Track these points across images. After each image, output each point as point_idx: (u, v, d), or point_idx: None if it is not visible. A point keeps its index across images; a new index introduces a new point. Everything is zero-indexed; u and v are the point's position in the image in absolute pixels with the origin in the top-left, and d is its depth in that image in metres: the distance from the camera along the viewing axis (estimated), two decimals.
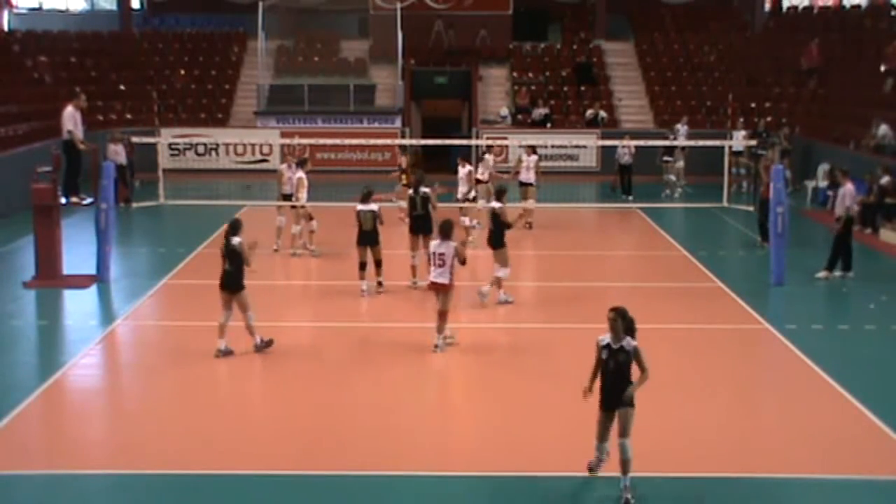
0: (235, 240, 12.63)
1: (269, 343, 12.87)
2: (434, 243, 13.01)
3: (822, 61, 30.56)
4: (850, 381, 11.77)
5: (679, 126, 28.66)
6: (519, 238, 20.88)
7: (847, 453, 9.91)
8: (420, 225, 16.17)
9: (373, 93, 33.26)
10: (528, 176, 21.74)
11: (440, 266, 12.77)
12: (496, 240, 15.24)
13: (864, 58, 30.62)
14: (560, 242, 20.31)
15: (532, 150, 22.17)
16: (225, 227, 13.10)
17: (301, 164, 18.95)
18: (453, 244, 12.83)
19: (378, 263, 15.87)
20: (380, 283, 15.95)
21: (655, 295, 16.06)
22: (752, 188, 24.48)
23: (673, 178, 27.01)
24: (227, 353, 12.61)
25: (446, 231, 12.91)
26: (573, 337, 14.17)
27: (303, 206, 18.47)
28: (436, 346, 12.91)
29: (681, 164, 27.29)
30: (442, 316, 12.85)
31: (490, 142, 23.59)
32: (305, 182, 18.44)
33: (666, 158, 26.93)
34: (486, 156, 22.37)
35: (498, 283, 15.22)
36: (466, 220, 19.21)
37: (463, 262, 12.99)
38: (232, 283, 12.67)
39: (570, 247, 20.08)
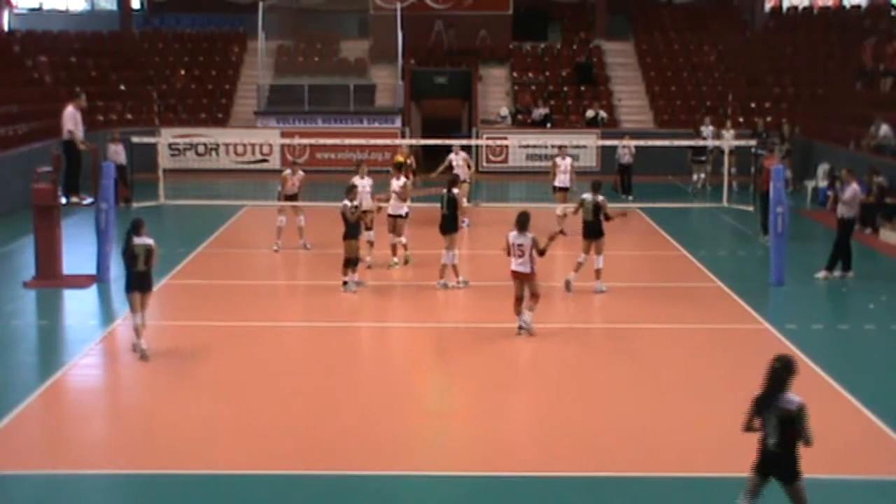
0: (149, 240, 12.60)
1: (143, 353, 12.49)
2: (512, 234, 13.44)
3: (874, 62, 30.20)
4: (850, 380, 11.77)
5: (703, 128, 28.52)
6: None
7: (847, 453, 9.91)
8: (446, 224, 16.18)
9: (373, 93, 33.27)
10: (564, 180, 20.90)
11: (520, 256, 13.36)
12: (597, 230, 15.84)
13: (859, 58, 30.59)
14: (559, 242, 20.27)
15: (565, 152, 21.45)
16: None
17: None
18: (531, 235, 13.36)
19: (354, 261, 15.84)
20: (345, 283, 15.82)
21: (655, 295, 16.07)
22: (753, 187, 24.52)
23: (703, 176, 27.12)
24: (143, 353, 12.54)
25: (524, 223, 13.44)
26: (572, 336, 14.20)
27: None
28: (520, 329, 13.53)
29: (709, 167, 27.39)
30: (535, 298, 13.49)
31: (457, 142, 22.99)
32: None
33: (695, 158, 27.07)
34: (452, 155, 21.63)
35: (598, 273, 15.93)
36: (403, 239, 17.47)
37: (542, 254, 13.50)
38: (149, 283, 12.72)
39: (569, 247, 20.04)
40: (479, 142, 29.20)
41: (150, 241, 12.61)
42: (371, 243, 17.37)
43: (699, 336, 14.03)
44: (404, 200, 17.49)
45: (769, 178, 19.52)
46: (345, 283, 15.79)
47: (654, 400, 11.30)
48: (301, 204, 19.08)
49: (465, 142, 26.12)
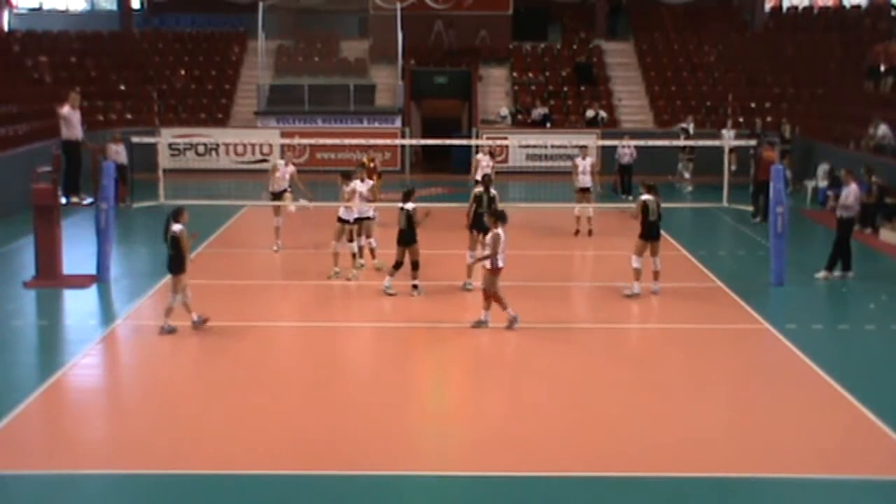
0: (176, 227, 13.44)
1: (205, 320, 13.72)
2: (502, 231, 13.78)
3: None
4: (850, 381, 11.77)
5: (685, 125, 28.83)
6: (519, 238, 20.90)
7: (847, 453, 9.91)
8: (483, 223, 16.15)
9: (373, 93, 33.28)
10: (585, 180, 20.79)
11: (503, 252, 13.84)
12: (659, 232, 15.89)
13: (864, 58, 30.61)
14: (559, 242, 20.31)
15: (586, 152, 21.33)
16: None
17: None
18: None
19: (415, 265, 15.64)
20: (414, 287, 15.61)
21: (655, 295, 16.05)
22: (751, 180, 24.66)
23: (687, 174, 27.58)
24: (170, 330, 13.55)
25: (505, 218, 13.98)
26: (571, 336, 14.21)
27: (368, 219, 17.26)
28: (480, 323, 13.98)
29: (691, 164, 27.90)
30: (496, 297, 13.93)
31: (482, 142, 23.16)
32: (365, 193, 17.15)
33: (691, 156, 27.66)
34: (479, 155, 21.73)
35: (657, 274, 15.87)
36: (346, 246, 16.80)
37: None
38: (171, 266, 13.58)
39: (569, 247, 20.08)
40: (479, 142, 29.17)
41: (176, 227, 13.42)
42: (373, 250, 17.32)
43: (699, 336, 14.03)
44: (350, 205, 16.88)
45: (766, 168, 19.68)
46: (414, 286, 15.63)
47: (654, 400, 11.30)
48: (290, 204, 18.92)
49: (465, 142, 26.17)
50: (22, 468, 9.41)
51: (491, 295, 13.86)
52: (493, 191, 16.38)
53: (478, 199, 16.34)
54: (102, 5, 40.01)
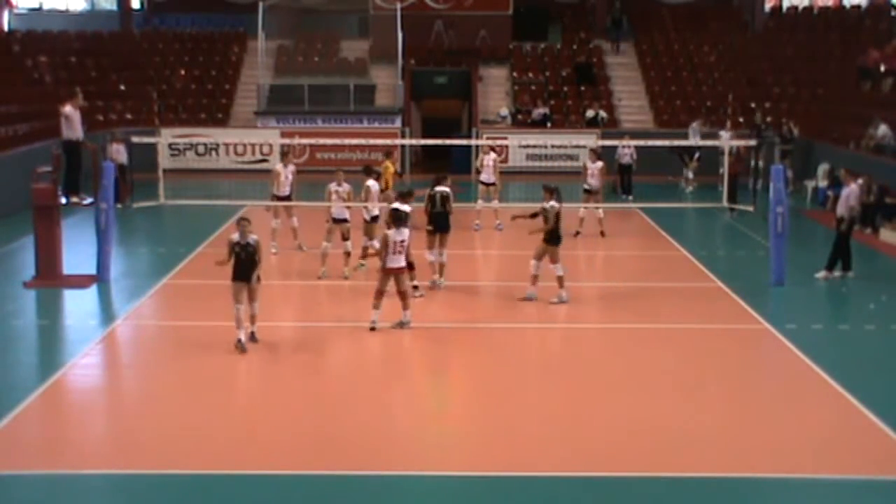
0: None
1: (247, 338, 13.12)
2: (392, 233, 13.61)
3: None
4: (850, 381, 11.77)
5: (695, 125, 28.97)
6: (519, 238, 20.89)
7: (847, 453, 9.91)
8: (441, 223, 16.13)
9: (373, 93, 33.28)
10: (591, 183, 20.94)
11: (400, 253, 13.66)
12: (560, 237, 15.46)
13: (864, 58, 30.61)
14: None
15: (597, 155, 21.30)
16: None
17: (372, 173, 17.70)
18: (407, 230, 13.74)
19: (410, 266, 15.60)
20: (415, 287, 15.48)
21: (655, 295, 16.06)
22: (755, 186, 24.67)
23: (690, 174, 27.79)
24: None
25: (402, 219, 13.79)
26: (572, 336, 14.21)
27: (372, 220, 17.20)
28: (401, 324, 13.81)
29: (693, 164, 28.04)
30: (406, 295, 13.89)
31: (488, 142, 23.41)
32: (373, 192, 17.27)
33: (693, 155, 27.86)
34: (482, 155, 21.98)
35: (560, 281, 15.36)
36: (376, 243, 16.36)
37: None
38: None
39: (569, 246, 20.04)
40: (479, 142, 29.20)
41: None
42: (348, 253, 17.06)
43: (699, 336, 14.02)
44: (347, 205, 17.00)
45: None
46: (415, 287, 15.51)
47: (654, 400, 11.30)
48: (294, 204, 18.94)
49: (465, 142, 26.16)
50: (22, 468, 9.40)
51: (398, 293, 13.76)
52: (444, 188, 16.27)
53: (431, 198, 16.24)
54: (102, 5, 39.99)
